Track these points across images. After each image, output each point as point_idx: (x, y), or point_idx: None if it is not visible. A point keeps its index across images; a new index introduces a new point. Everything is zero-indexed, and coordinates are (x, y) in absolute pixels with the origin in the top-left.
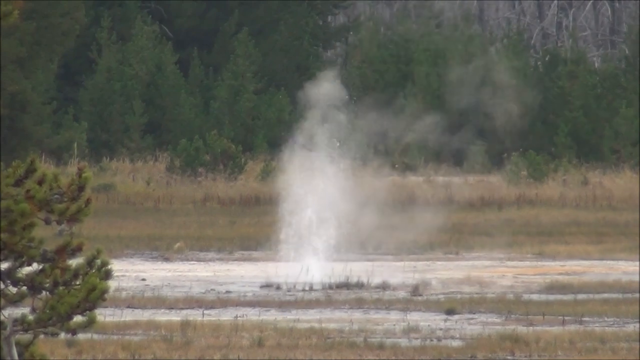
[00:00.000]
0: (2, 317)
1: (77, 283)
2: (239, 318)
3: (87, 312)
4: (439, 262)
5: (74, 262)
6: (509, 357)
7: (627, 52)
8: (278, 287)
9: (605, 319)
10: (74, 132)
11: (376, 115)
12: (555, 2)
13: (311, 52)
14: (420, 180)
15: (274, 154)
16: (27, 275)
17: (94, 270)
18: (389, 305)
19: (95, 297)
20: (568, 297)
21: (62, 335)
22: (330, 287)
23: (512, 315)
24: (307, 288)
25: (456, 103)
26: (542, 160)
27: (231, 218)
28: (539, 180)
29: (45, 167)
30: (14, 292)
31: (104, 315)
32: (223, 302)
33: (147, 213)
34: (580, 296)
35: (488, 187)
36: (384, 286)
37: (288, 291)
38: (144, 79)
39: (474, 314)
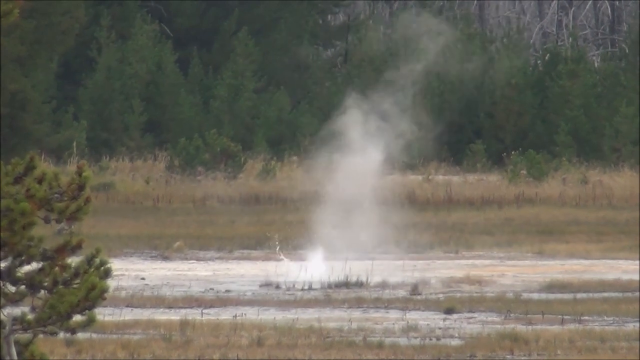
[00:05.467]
0: (2, 316)
1: (77, 282)
2: (238, 317)
3: (87, 311)
4: (439, 261)
5: (74, 260)
6: (508, 356)
7: (627, 50)
8: (277, 286)
9: (605, 318)
10: (73, 131)
11: (375, 115)
12: (556, 1)
13: (311, 51)
14: (420, 179)
15: (273, 153)
16: (26, 274)
17: (93, 269)
18: (388, 304)
19: (94, 296)
20: (568, 296)
21: (62, 334)
22: (330, 286)
23: (512, 314)
24: (306, 287)
25: (456, 102)
26: (542, 159)
27: (231, 217)
28: (539, 179)
29: (45, 166)
30: (14, 291)
31: (104, 314)
32: (222, 301)
33: (147, 212)
34: (580, 295)
35: (488, 186)
36: (383, 285)
37: (287, 290)
38: (144, 77)
39: (474, 313)
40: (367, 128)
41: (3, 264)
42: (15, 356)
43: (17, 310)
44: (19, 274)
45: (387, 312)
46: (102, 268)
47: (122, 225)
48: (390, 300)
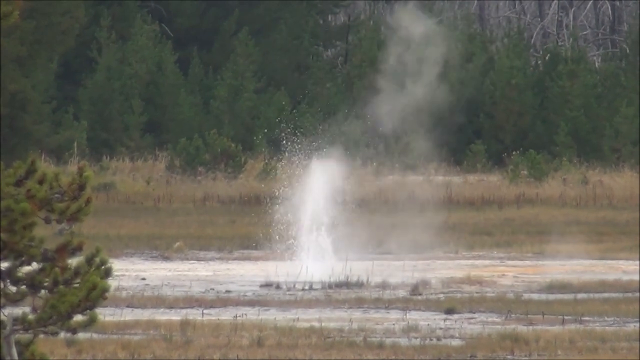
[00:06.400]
0: (2, 316)
1: (77, 282)
2: (238, 317)
3: (88, 311)
4: (439, 262)
5: (74, 260)
6: (508, 357)
7: (627, 51)
8: (278, 287)
9: (605, 318)
10: (73, 131)
11: (376, 114)
12: (556, 1)
13: (311, 51)
14: (420, 179)
15: (273, 153)
16: (27, 274)
17: (93, 269)
18: (388, 304)
19: (95, 296)
20: (568, 296)
21: (62, 334)
22: (330, 286)
23: (512, 315)
24: (306, 287)
25: (457, 102)
26: (543, 160)
27: (231, 217)
28: (539, 180)
29: (45, 166)
30: (14, 291)
31: (104, 314)
32: (223, 301)
33: (147, 212)
34: (580, 295)
35: (488, 186)
36: (383, 285)
37: (288, 290)
38: (144, 78)
39: (474, 313)
40: (368, 128)
41: (4, 265)
42: (15, 356)
43: (17, 311)
44: (19, 274)
45: (387, 312)
46: (103, 268)
47: (123, 225)
48: (390, 301)
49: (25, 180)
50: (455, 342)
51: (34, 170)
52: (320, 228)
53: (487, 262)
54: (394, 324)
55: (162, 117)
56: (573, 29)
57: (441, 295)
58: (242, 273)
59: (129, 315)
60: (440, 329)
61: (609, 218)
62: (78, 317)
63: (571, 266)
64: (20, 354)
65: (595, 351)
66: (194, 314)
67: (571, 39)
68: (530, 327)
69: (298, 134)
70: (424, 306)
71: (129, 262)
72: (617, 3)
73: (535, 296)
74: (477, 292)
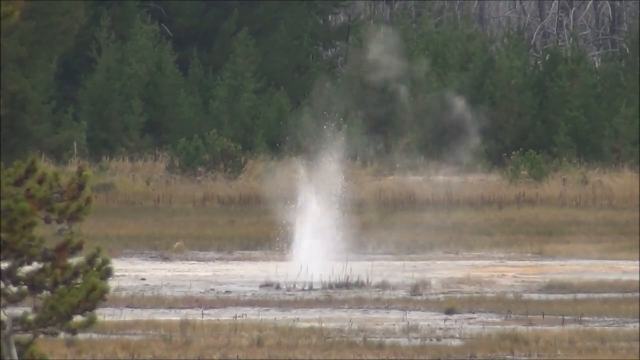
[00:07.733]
0: (2, 316)
1: (78, 282)
2: (238, 318)
3: (87, 312)
4: (439, 262)
5: (74, 260)
6: (508, 357)
7: (627, 51)
8: (278, 287)
9: (605, 318)
10: (73, 131)
11: (376, 115)
12: (556, 1)
13: (311, 51)
14: (420, 179)
15: (273, 153)
16: (27, 274)
17: (94, 269)
18: (388, 304)
19: (95, 297)
20: (568, 296)
21: (62, 334)
22: (330, 286)
23: (512, 315)
24: (306, 287)
25: (456, 102)
26: (542, 160)
27: (231, 217)
28: (539, 180)
29: (45, 166)
30: (14, 291)
31: (104, 314)
32: (222, 301)
33: (147, 212)
34: (580, 295)
35: (488, 186)
36: (383, 286)
37: (288, 291)
38: (144, 78)
39: (474, 313)
40: (367, 127)
41: (4, 264)
42: (15, 356)
43: (17, 311)
44: (19, 274)
45: (387, 312)
46: (104, 267)
47: (122, 225)
48: (390, 301)
49: (25, 179)
50: (455, 343)
51: (34, 170)
52: (320, 228)
53: (486, 262)
54: (393, 324)
55: (162, 117)
56: (573, 29)
57: (441, 296)
58: (241, 273)
59: (128, 315)
60: (440, 329)
61: (609, 218)
62: (78, 318)
63: (571, 266)
64: (20, 354)
65: (594, 351)
66: (194, 314)
67: (571, 39)
68: (530, 327)
69: (297, 134)
70: (424, 306)
71: (129, 262)
72: (617, 3)
73: (535, 296)
74: (476, 292)
